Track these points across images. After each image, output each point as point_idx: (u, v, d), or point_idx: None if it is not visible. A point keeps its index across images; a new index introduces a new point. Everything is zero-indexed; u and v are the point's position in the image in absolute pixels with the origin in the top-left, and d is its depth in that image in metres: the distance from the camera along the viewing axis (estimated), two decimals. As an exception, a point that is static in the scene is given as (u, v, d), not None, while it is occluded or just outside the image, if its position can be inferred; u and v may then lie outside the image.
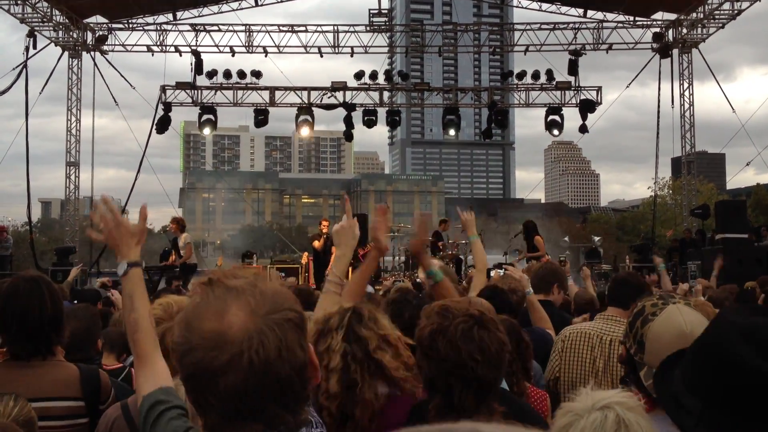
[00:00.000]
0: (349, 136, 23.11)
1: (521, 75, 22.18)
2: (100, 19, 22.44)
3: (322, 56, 22.95)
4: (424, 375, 2.33)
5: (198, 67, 21.88)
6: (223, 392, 1.31)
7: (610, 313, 4.21)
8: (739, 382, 1.13)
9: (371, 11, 22.50)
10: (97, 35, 22.37)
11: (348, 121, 22.35)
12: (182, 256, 14.53)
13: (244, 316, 1.33)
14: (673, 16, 22.51)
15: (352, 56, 22.83)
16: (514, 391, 3.20)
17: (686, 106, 23.00)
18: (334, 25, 22.85)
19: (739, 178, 79.69)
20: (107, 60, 22.66)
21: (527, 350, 3.60)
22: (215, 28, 22.64)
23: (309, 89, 22.74)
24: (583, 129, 22.04)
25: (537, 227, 15.52)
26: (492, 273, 10.35)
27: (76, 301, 7.43)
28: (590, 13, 22.59)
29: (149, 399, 1.95)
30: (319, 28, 22.93)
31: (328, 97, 22.54)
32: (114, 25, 22.60)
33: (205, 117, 22.12)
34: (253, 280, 1.40)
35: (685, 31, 22.41)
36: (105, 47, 22.43)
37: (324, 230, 16.09)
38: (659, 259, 9.19)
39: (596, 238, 18.28)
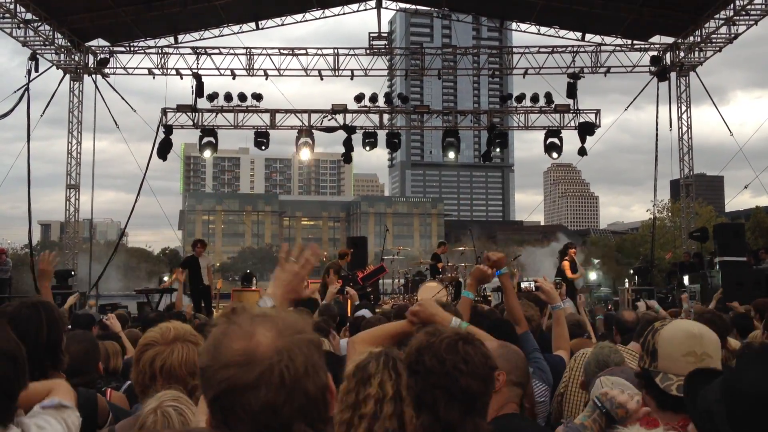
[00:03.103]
0: (347, 158, 23.12)
1: (520, 98, 22.24)
2: (101, 42, 22.59)
3: (322, 79, 23.10)
4: (412, 395, 2.29)
5: (199, 90, 21.99)
6: (254, 407, 1.34)
7: (630, 347, 4.46)
8: None
9: (371, 35, 22.64)
10: (98, 58, 22.51)
11: (348, 144, 22.43)
12: (202, 276, 15.30)
13: (271, 335, 1.38)
14: (670, 40, 22.68)
15: (352, 79, 22.97)
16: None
17: (684, 129, 23.07)
18: (334, 48, 23.00)
19: (737, 200, 79.95)
20: (108, 83, 22.79)
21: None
22: (216, 51, 22.79)
23: (309, 112, 22.84)
24: (582, 152, 22.04)
25: (565, 250, 15.66)
26: (523, 285, 10.38)
27: (69, 327, 7.40)
28: (588, 36, 22.77)
29: None
30: (319, 52, 23.10)
31: (329, 120, 22.64)
32: (115, 49, 22.76)
33: (205, 139, 22.16)
34: (275, 310, 1.50)
35: (682, 54, 22.56)
36: (106, 70, 22.57)
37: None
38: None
39: (595, 261, 18.27)
